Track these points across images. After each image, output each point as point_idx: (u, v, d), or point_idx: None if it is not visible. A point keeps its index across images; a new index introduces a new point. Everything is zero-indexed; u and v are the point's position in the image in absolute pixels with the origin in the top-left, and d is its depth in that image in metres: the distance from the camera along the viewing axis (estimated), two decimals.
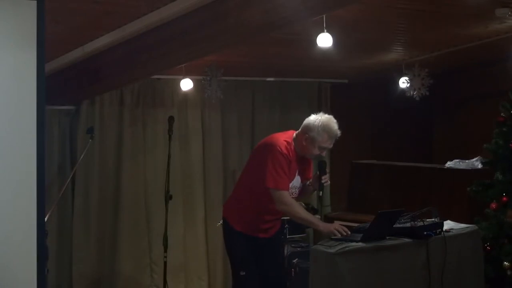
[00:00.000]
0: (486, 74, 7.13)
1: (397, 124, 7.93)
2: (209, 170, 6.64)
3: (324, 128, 3.99)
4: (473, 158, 5.82)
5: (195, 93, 6.35)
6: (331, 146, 4.09)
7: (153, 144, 6.35)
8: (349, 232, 3.81)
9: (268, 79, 7.01)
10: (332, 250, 3.49)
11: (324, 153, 4.11)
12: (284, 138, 4.08)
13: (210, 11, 3.91)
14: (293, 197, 4.10)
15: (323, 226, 3.97)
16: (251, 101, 6.99)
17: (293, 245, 5.76)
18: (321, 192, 4.09)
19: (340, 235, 3.77)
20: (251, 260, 4.13)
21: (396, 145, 7.84)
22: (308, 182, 4.21)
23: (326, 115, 4.10)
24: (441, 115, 8.17)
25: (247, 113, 6.94)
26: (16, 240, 2.86)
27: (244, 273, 4.11)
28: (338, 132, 4.05)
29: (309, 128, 4.02)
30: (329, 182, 4.10)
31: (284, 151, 4.00)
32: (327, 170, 4.12)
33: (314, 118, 4.04)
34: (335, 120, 4.08)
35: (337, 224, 3.96)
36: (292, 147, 4.05)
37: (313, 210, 6.53)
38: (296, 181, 4.12)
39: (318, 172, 4.10)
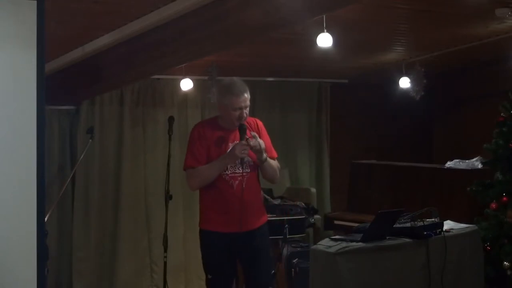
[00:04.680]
0: (486, 74, 7.14)
1: (397, 124, 7.95)
2: None
3: (226, 90, 3.89)
4: (473, 158, 5.82)
5: (195, 93, 6.35)
6: (245, 103, 3.89)
7: (153, 144, 6.35)
8: (247, 146, 3.78)
9: (268, 79, 7.01)
10: (332, 250, 3.49)
11: (244, 113, 3.89)
12: (212, 117, 4.14)
13: (210, 11, 3.91)
14: (247, 173, 3.89)
15: (229, 155, 3.84)
16: (251, 101, 6.96)
17: (293, 245, 5.75)
18: (264, 155, 3.88)
19: (247, 152, 3.77)
20: (219, 263, 3.95)
21: (396, 145, 7.85)
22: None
23: (227, 78, 4.03)
24: (441, 115, 8.18)
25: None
26: (16, 240, 2.86)
27: (210, 276, 3.98)
28: (242, 88, 3.89)
29: (216, 97, 4.01)
30: (258, 144, 3.84)
31: (199, 125, 4.05)
32: (251, 134, 3.89)
33: (217, 85, 4.08)
34: (236, 78, 3.98)
35: (236, 145, 3.82)
36: (214, 119, 4.03)
37: (313, 210, 6.54)
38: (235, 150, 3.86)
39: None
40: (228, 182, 3.90)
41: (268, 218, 5.35)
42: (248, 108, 3.93)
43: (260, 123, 4.13)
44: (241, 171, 3.89)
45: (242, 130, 3.87)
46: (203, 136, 3.94)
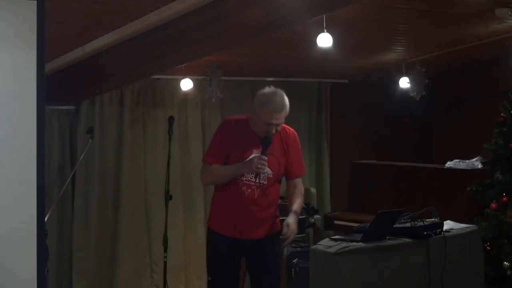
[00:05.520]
0: (486, 74, 7.14)
1: (397, 124, 7.95)
2: None
3: (264, 102, 3.72)
4: (473, 158, 5.82)
5: (195, 93, 6.35)
6: (277, 121, 3.74)
7: (153, 144, 6.35)
8: (266, 161, 3.68)
9: (268, 79, 7.00)
10: (332, 250, 3.49)
11: (274, 130, 3.75)
12: (245, 115, 3.92)
13: (210, 11, 3.91)
14: (263, 184, 3.76)
15: (245, 165, 3.73)
16: (251, 101, 6.97)
17: (293, 245, 5.75)
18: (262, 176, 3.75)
19: (263, 168, 3.66)
20: (221, 266, 3.88)
21: (396, 145, 7.85)
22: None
23: (272, 88, 3.83)
24: (441, 115, 8.18)
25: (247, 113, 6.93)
26: (16, 240, 2.86)
27: (210, 279, 3.93)
28: (280, 106, 3.71)
29: (254, 102, 3.80)
30: (264, 166, 3.69)
31: (229, 122, 3.89)
32: (273, 153, 3.75)
33: (259, 92, 3.83)
34: (280, 92, 3.78)
35: (255, 158, 3.70)
36: (245, 120, 3.86)
37: (313, 210, 6.54)
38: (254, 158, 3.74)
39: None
40: (241, 188, 3.79)
41: None
42: (280, 125, 3.80)
43: (292, 134, 3.96)
44: (255, 181, 3.79)
45: (265, 143, 3.74)
46: (230, 135, 3.82)
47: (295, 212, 3.86)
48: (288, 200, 3.98)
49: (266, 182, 3.81)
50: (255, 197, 3.80)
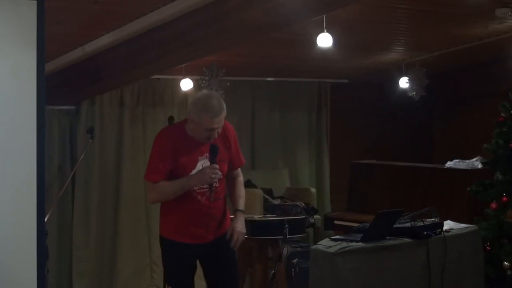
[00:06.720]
0: (486, 74, 7.15)
1: (397, 124, 7.96)
2: None
3: (201, 108, 3.45)
4: (473, 158, 5.82)
5: (195, 93, 6.35)
6: (218, 125, 3.50)
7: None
8: (218, 169, 3.51)
9: (268, 79, 7.02)
10: (332, 250, 3.49)
11: (215, 135, 3.52)
12: (179, 122, 3.72)
13: (210, 11, 3.91)
14: (215, 187, 3.56)
15: (197, 178, 3.53)
16: (251, 101, 7.00)
17: (293, 245, 5.75)
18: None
19: (217, 178, 3.50)
20: (184, 274, 3.69)
21: (396, 145, 7.86)
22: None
23: (205, 91, 3.68)
24: (441, 115, 8.19)
25: (247, 113, 6.94)
26: (16, 240, 2.86)
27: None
28: (219, 109, 3.46)
29: (189, 110, 3.53)
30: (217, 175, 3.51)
31: (166, 134, 3.65)
32: (222, 159, 3.54)
33: (193, 98, 3.62)
34: (215, 94, 3.60)
35: (207, 169, 3.51)
36: (182, 127, 3.59)
37: (313, 210, 6.54)
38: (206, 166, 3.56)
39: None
40: (196, 197, 3.58)
41: (268, 218, 5.36)
42: (221, 127, 3.56)
43: (230, 128, 3.74)
44: (209, 188, 3.58)
45: (214, 152, 3.53)
46: (169, 147, 3.56)
47: (242, 212, 3.69)
48: (231, 196, 3.78)
49: (218, 185, 3.63)
50: (211, 200, 3.61)
